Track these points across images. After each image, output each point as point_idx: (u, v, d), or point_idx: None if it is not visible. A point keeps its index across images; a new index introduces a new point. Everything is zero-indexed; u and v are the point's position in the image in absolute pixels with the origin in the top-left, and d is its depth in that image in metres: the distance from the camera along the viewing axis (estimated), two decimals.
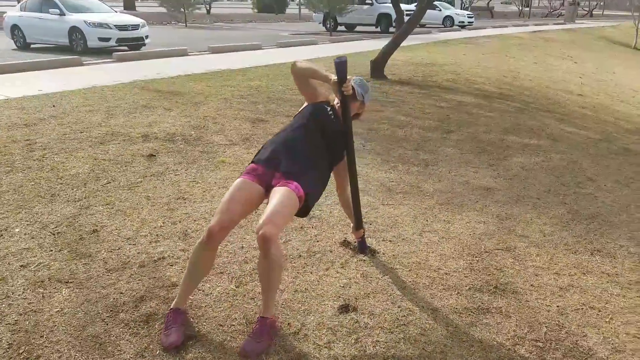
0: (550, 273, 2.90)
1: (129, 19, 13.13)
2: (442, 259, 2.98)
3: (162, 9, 25.59)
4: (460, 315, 2.46)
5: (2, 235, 2.97)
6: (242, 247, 2.98)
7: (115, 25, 12.24)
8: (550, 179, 4.53)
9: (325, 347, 2.17)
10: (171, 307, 2.24)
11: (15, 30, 12.80)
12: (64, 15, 12.24)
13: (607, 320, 2.50)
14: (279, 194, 2.21)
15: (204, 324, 2.28)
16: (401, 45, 9.88)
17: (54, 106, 6.23)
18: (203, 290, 2.52)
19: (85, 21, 11.97)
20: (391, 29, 21.05)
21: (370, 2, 22.65)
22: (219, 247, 2.35)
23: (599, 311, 2.57)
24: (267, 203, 2.23)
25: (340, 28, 23.61)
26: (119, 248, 2.90)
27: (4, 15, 13.22)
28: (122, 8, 32.80)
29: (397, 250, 3.04)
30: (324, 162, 2.53)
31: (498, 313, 2.50)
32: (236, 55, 12.47)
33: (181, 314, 2.23)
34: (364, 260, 2.89)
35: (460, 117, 6.69)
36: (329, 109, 2.58)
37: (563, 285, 2.77)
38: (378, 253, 2.98)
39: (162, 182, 3.88)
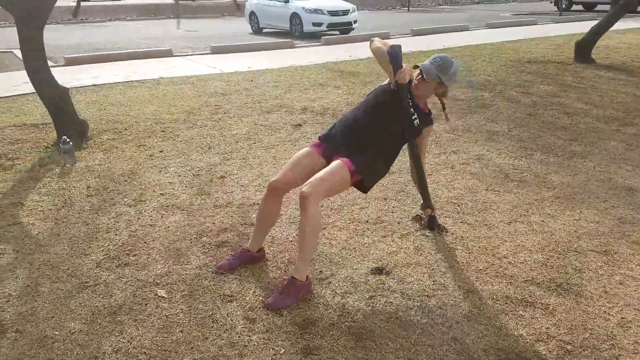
0: None
1: (340, 4, 14.11)
2: (516, 249, 2.82)
3: None
4: (495, 301, 2.38)
5: (161, 171, 3.90)
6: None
7: (327, 11, 13.35)
8: None
9: (340, 295, 2.39)
10: (246, 246, 2.66)
11: (252, 16, 15.03)
12: (288, 2, 13.85)
13: None
14: (330, 165, 2.42)
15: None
16: (632, 28, 8.56)
17: (251, 81, 7.39)
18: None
19: (303, 7, 13.34)
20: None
21: None
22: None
23: None
24: None
25: (577, 8, 21.08)
26: (232, 192, 3.53)
27: (246, 3, 15.61)
28: None
29: (470, 233, 2.98)
30: (386, 143, 2.56)
31: (542, 309, 2.33)
32: (437, 37, 12.47)
33: (247, 254, 2.63)
34: (427, 236, 2.94)
35: None
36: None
37: None
38: (447, 232, 2.98)
39: (292, 146, 4.43)
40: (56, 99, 4.32)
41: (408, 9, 24.86)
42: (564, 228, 3.06)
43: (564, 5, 19.67)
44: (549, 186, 3.66)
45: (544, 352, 2.07)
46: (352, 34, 13.56)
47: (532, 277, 2.57)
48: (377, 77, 7.31)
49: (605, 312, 2.31)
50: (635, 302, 2.38)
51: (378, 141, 2.54)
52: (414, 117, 2.60)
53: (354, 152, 2.46)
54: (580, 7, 21.13)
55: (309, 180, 2.34)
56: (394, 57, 2.46)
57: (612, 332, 2.19)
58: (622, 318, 2.27)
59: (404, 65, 2.48)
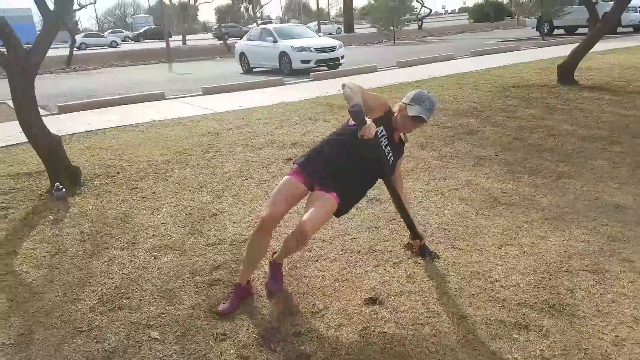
0: (635, 303, 2.52)
1: (327, 41, 14.56)
2: (508, 272, 2.84)
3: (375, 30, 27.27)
4: (489, 326, 2.38)
5: (153, 212, 3.93)
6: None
7: (315, 49, 13.72)
8: None
9: (333, 328, 2.39)
10: (237, 281, 2.72)
11: (242, 57, 15.41)
12: (277, 42, 14.25)
13: None
14: (321, 199, 2.50)
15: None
16: (614, 48, 8.80)
17: (243, 119, 7.51)
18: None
19: (291, 46, 13.76)
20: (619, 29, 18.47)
21: (595, 0, 20.15)
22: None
23: None
24: (308, 198, 2.56)
25: (559, 32, 21.64)
26: (224, 229, 3.56)
27: (235, 44, 16.00)
28: (343, 31, 35.78)
29: (462, 258, 3.00)
30: (367, 179, 2.69)
31: (535, 331, 2.33)
32: (422, 68, 12.74)
33: (241, 288, 2.69)
34: (419, 263, 2.95)
35: None
36: (379, 130, 2.63)
37: None
38: (438, 258, 3.00)
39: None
40: (49, 148, 4.38)
41: (394, 42, 25.47)
42: (554, 249, 3.09)
43: (545, 30, 20.17)
44: (538, 208, 3.70)
45: None
46: (340, 69, 13.86)
47: (525, 300, 2.58)
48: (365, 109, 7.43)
49: (599, 331, 2.32)
50: (628, 319, 2.39)
51: (360, 179, 2.66)
52: (389, 157, 2.70)
53: (339, 188, 2.57)
54: (561, 31, 21.68)
55: (308, 217, 2.43)
56: (355, 116, 2.39)
57: (606, 351, 2.19)
58: (616, 336, 2.28)
59: (367, 120, 2.39)
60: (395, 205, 2.94)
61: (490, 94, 8.25)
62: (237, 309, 2.58)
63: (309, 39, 14.69)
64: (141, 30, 53.60)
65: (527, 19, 23.08)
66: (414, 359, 2.18)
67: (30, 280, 2.94)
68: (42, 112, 9.08)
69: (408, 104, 2.69)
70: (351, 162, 2.61)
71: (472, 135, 5.78)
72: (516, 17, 32.45)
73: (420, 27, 34.67)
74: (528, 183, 4.20)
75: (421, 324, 2.42)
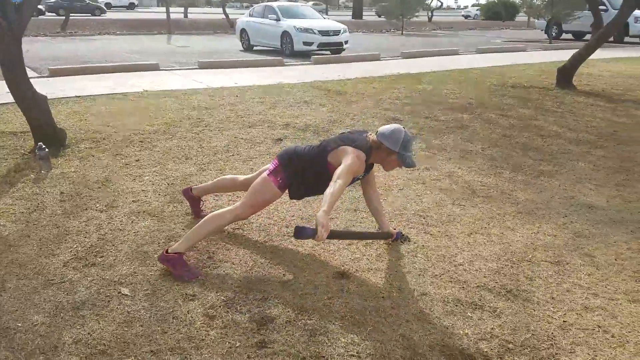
0: (588, 293, 2.62)
1: (331, 24, 14.38)
2: (473, 258, 2.94)
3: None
4: (446, 304, 2.48)
5: (135, 179, 3.99)
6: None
7: (319, 31, 13.61)
8: None
9: (299, 296, 2.48)
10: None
11: (243, 34, 15.26)
12: (280, 20, 14.10)
13: (615, 346, 2.21)
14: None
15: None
16: (619, 57, 8.86)
17: (237, 96, 7.52)
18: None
19: (294, 26, 13.56)
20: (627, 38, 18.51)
21: (605, 7, 20.14)
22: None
23: (613, 336, 2.28)
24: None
25: (567, 36, 21.62)
26: (204, 200, 3.63)
27: (237, 20, 15.87)
28: (351, 17, 35.51)
29: (431, 243, 3.10)
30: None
31: (489, 311, 2.43)
32: (426, 61, 12.75)
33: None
34: (390, 245, 3.04)
35: (630, 135, 5.86)
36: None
37: (591, 306, 2.50)
38: (409, 242, 3.09)
39: (271, 159, 4.54)
40: (34, 108, 4.43)
41: (402, 33, 25.36)
42: (522, 240, 3.18)
43: (554, 34, 20.15)
44: (513, 202, 3.79)
45: (485, 350, 2.17)
46: (342, 54, 13.82)
47: (485, 283, 2.68)
48: (361, 97, 7.49)
49: (549, 315, 2.42)
50: (578, 307, 2.49)
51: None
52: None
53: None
54: (570, 36, 21.66)
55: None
56: (301, 235, 2.29)
57: (552, 333, 2.29)
58: (564, 321, 2.38)
59: (318, 229, 2.24)
60: (370, 207, 3.06)
61: (488, 91, 8.30)
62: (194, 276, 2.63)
63: (314, 20, 14.43)
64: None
65: (536, 21, 23.00)
66: (370, 327, 2.28)
67: (7, 233, 3.01)
68: (32, 74, 9.21)
69: (398, 153, 2.63)
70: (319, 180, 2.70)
71: (462, 129, 5.85)
72: (527, 18, 32.34)
73: (429, 19, 34.52)
74: (508, 178, 4.29)
75: (383, 297, 2.51)
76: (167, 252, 2.63)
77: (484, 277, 2.74)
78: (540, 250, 3.05)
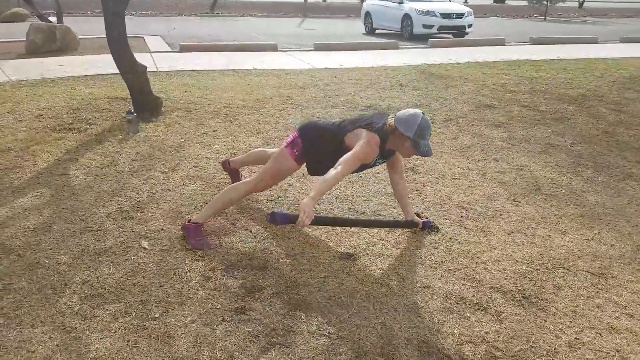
0: (622, 312, 2.28)
1: (454, 7, 13.70)
2: (501, 258, 2.70)
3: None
4: (446, 300, 2.33)
5: (205, 147, 4.28)
6: None
7: (440, 14, 13.07)
8: None
9: (297, 270, 2.51)
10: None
11: (367, 17, 15.21)
12: (402, 3, 13.80)
13: None
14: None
15: None
16: None
17: (335, 77, 7.61)
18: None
19: (415, 9, 13.18)
20: None
21: None
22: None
23: None
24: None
25: None
26: (256, 171, 3.79)
27: (363, 3, 15.84)
28: (492, 1, 33.38)
29: (461, 237, 2.90)
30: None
31: (492, 315, 2.24)
32: (556, 47, 11.62)
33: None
34: (414, 233, 2.92)
35: None
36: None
37: (618, 327, 2.17)
38: (438, 232, 2.93)
39: None
40: (134, 77, 4.95)
41: (545, 18, 23.28)
42: (568, 245, 2.84)
43: None
44: (579, 204, 3.38)
45: (467, 354, 2.01)
46: (465, 38, 13.13)
47: (501, 285, 2.46)
48: (464, 81, 7.12)
49: (561, 330, 2.16)
50: (602, 326, 2.19)
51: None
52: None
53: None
54: None
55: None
56: (275, 221, 2.38)
57: (555, 349, 2.05)
58: (576, 339, 2.11)
59: (300, 215, 2.26)
60: (395, 193, 2.96)
61: (612, 84, 7.35)
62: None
63: (437, 2, 13.93)
64: None
65: None
66: (354, 310, 2.24)
67: (75, 183, 3.45)
68: (167, 48, 10.16)
69: (412, 139, 2.48)
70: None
71: (558, 122, 5.29)
72: None
73: (580, 5, 31.15)
74: (586, 178, 3.82)
75: (380, 284, 2.44)
76: (189, 221, 2.80)
77: (505, 279, 2.52)
78: (586, 259, 2.70)
